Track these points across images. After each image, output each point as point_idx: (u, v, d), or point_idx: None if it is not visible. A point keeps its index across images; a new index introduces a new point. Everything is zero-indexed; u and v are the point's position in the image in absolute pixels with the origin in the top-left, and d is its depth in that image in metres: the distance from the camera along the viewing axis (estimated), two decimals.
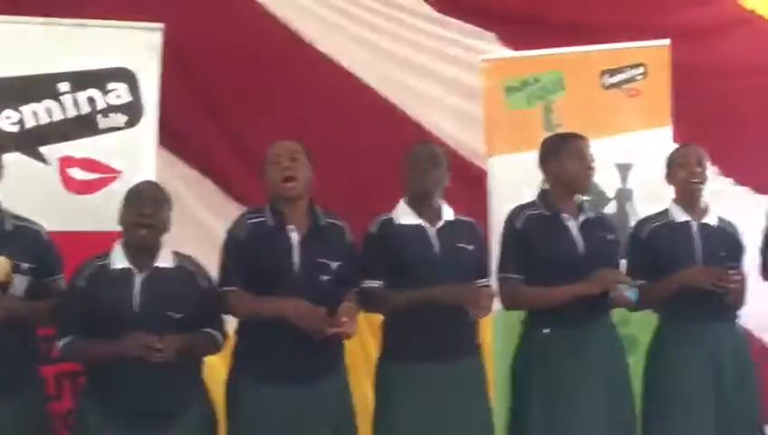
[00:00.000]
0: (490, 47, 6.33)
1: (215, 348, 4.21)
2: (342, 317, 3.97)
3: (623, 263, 4.62)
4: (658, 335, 4.64)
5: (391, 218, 4.40)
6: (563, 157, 4.48)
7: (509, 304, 4.56)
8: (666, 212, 4.64)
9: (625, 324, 4.68)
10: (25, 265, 4.08)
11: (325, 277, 4.15)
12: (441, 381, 4.26)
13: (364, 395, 4.55)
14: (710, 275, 4.40)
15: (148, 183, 4.32)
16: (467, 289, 4.22)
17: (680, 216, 4.59)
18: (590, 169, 4.47)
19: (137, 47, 5.08)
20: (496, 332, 5.51)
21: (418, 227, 4.37)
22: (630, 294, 4.26)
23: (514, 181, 5.44)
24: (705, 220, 4.58)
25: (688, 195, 4.60)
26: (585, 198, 4.62)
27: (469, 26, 6.44)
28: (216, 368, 4.46)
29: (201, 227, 5.89)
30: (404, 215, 4.39)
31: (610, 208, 5.51)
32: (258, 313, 4.11)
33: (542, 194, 4.57)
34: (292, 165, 4.17)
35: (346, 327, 4.00)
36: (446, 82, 6.42)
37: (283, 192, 4.17)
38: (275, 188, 4.18)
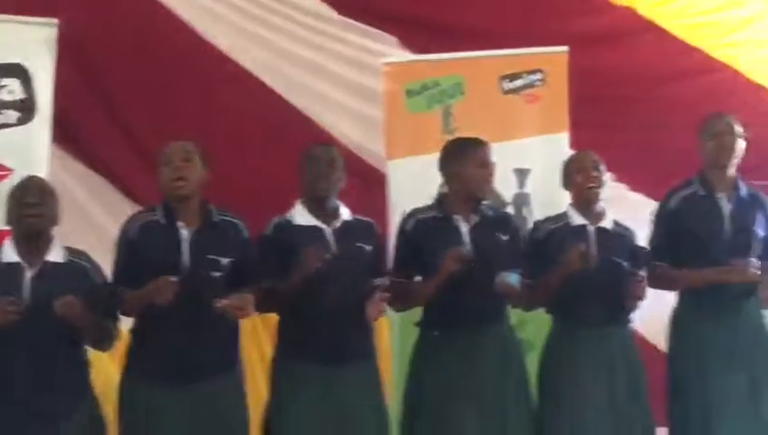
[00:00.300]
0: (391, 50, 6.33)
1: (108, 342, 4.16)
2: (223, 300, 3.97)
3: None
4: (552, 339, 4.66)
5: (288, 219, 4.39)
6: (465, 162, 4.49)
7: (397, 306, 4.62)
8: (563, 215, 4.68)
9: (521, 328, 4.70)
10: None
11: (216, 274, 4.13)
12: (335, 382, 4.26)
13: (260, 395, 4.52)
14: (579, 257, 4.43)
15: (33, 177, 4.24)
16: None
17: (577, 219, 4.63)
18: (491, 175, 4.49)
19: (31, 43, 5.00)
20: (394, 333, 5.52)
21: (315, 227, 4.36)
22: (511, 279, 4.29)
23: (414, 184, 5.46)
24: (602, 224, 4.62)
25: (585, 199, 4.64)
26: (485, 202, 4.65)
27: (371, 29, 6.44)
28: (107, 368, 4.40)
29: (95, 224, 5.82)
30: (300, 215, 4.39)
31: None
32: (136, 305, 4.10)
33: (440, 197, 4.59)
34: (185, 165, 4.15)
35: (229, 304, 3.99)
36: (347, 84, 6.41)
37: (173, 191, 4.15)
38: (166, 187, 4.17)
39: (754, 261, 4.61)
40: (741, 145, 4.76)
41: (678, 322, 4.81)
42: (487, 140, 4.59)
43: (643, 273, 4.54)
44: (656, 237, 4.75)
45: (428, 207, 4.58)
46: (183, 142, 4.23)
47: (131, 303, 4.11)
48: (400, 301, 4.56)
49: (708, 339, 4.68)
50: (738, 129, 4.76)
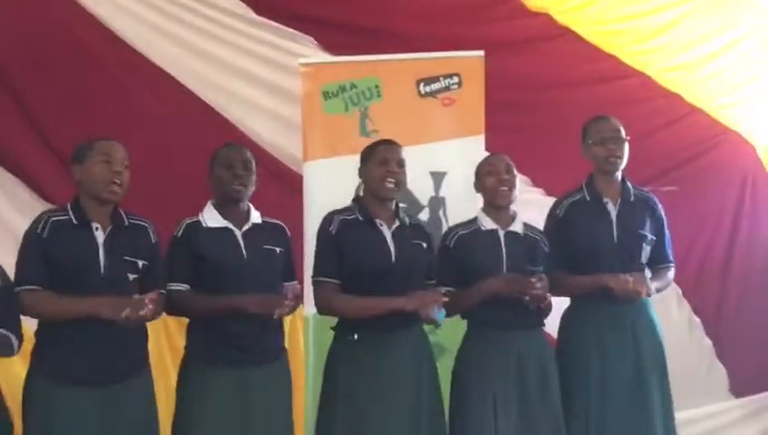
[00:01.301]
0: (308, 51, 6.31)
1: (8, 350, 4.03)
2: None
3: None
4: (465, 343, 4.67)
5: (198, 221, 4.36)
6: (367, 161, 4.50)
7: (322, 310, 4.54)
8: (474, 220, 4.69)
9: (432, 332, 4.71)
10: None
11: (132, 275, 4.11)
12: (245, 384, 4.24)
13: (171, 393, 4.46)
14: (512, 283, 4.47)
15: None
16: (271, 300, 4.21)
17: (488, 223, 4.64)
18: (391, 173, 4.46)
19: None
20: (308, 334, 5.51)
21: (225, 229, 4.33)
22: (439, 315, 4.29)
23: (330, 186, 5.46)
24: (512, 228, 4.65)
25: (496, 202, 4.65)
26: (401, 205, 4.65)
27: (288, 30, 6.41)
28: (13, 368, 4.31)
29: (2, 223, 5.71)
30: (211, 217, 4.35)
31: (423, 216, 5.58)
32: (61, 312, 4.01)
33: (357, 199, 4.58)
34: (123, 171, 4.12)
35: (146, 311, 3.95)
36: (263, 84, 6.37)
37: (106, 194, 4.10)
38: (99, 186, 4.10)
39: (641, 276, 4.69)
40: (626, 149, 4.81)
41: (564, 324, 4.89)
42: (394, 141, 4.58)
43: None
44: (549, 245, 4.77)
45: (349, 209, 4.54)
46: (119, 145, 4.17)
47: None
48: (341, 310, 4.48)
49: (589, 340, 4.75)
50: (623, 132, 4.82)
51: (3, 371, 4.11)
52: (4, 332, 3.97)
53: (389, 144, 4.54)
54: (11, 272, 4.07)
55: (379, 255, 4.42)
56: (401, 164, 4.48)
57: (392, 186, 4.45)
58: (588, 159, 4.88)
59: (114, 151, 4.13)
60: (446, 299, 4.33)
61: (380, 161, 4.46)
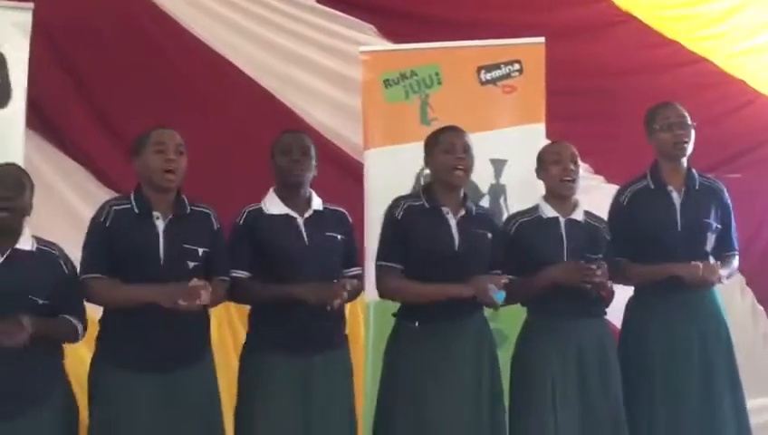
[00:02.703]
0: (369, 39, 6.33)
1: (73, 336, 4.11)
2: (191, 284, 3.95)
3: None
4: (525, 331, 4.67)
5: (260, 208, 4.37)
6: (432, 149, 4.50)
7: (383, 293, 4.56)
8: (535, 208, 4.67)
9: (493, 319, 4.70)
10: None
11: (192, 263, 4.13)
12: (306, 372, 4.26)
13: (234, 382, 4.50)
14: (573, 271, 4.46)
15: (10, 166, 4.17)
16: (329, 290, 4.20)
17: (549, 211, 4.62)
18: (458, 160, 4.44)
19: (6, 27, 4.96)
20: (369, 321, 5.53)
21: (287, 216, 4.35)
22: (497, 296, 4.28)
23: (390, 174, 5.48)
24: (573, 216, 4.63)
25: (560, 192, 4.63)
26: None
27: (349, 18, 6.44)
28: (81, 356, 4.38)
29: (69, 211, 5.80)
30: (273, 204, 4.37)
31: (484, 203, 5.55)
32: (123, 300, 4.06)
33: (426, 187, 4.59)
34: (177, 158, 4.13)
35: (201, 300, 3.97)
36: (324, 72, 6.41)
37: (161, 182, 4.12)
38: (154, 175, 4.13)
39: (710, 263, 4.63)
40: (693, 135, 4.77)
41: (628, 314, 4.85)
42: (458, 127, 4.56)
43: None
44: (611, 233, 4.74)
45: (416, 195, 4.57)
46: (174, 132, 4.19)
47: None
48: (401, 293, 4.48)
49: (655, 330, 4.71)
50: (689, 118, 4.77)
51: (69, 357, 4.16)
52: (70, 318, 4.06)
53: (454, 130, 4.53)
54: (78, 261, 4.14)
55: (442, 242, 4.42)
56: (467, 150, 4.46)
57: (461, 173, 4.44)
58: (653, 146, 4.83)
59: (167, 139, 4.16)
60: (505, 281, 4.32)
61: (446, 149, 4.45)
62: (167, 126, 4.23)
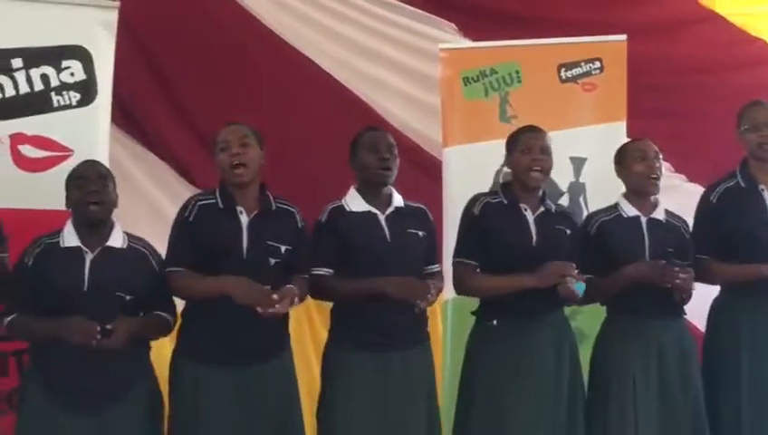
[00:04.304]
0: (449, 37, 6.33)
1: (166, 331, 4.20)
2: (275, 295, 3.95)
3: None
4: (605, 330, 4.65)
5: (342, 205, 4.39)
6: (512, 149, 4.50)
7: (460, 289, 4.59)
8: (615, 207, 4.65)
9: (572, 318, 4.69)
10: None
11: (274, 260, 4.16)
12: (387, 370, 4.28)
13: (313, 381, 4.54)
14: (656, 270, 4.42)
15: (90, 162, 4.27)
16: (415, 284, 4.21)
17: (630, 210, 4.59)
18: (536, 160, 4.43)
19: (92, 25, 5.02)
20: (447, 318, 5.54)
21: (369, 213, 4.37)
22: (578, 288, 4.26)
23: (470, 171, 5.48)
24: (654, 215, 4.59)
25: (645, 190, 4.59)
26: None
27: (429, 15, 6.44)
28: (164, 348, 4.44)
29: (153, 206, 5.87)
30: (354, 202, 4.39)
31: (563, 201, 5.53)
32: (201, 291, 4.12)
33: (505, 185, 4.60)
34: (242, 151, 4.16)
35: (280, 307, 3.97)
36: (403, 70, 6.42)
37: (232, 178, 4.17)
38: (225, 173, 4.18)
39: None
40: None
41: (715, 314, 4.79)
42: (537, 127, 4.56)
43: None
44: (698, 231, 4.69)
45: (494, 193, 4.58)
46: (238, 126, 4.24)
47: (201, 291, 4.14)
48: (477, 288, 4.52)
49: (744, 331, 4.64)
50: None
51: (154, 350, 4.23)
52: (164, 314, 4.16)
53: (533, 131, 4.53)
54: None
55: (520, 237, 4.42)
56: (545, 151, 4.46)
57: (538, 174, 4.44)
58: (742, 145, 4.77)
59: (229, 135, 4.19)
60: (576, 272, 4.29)
61: (524, 149, 4.45)
62: (234, 122, 4.28)
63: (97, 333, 3.82)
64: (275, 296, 3.93)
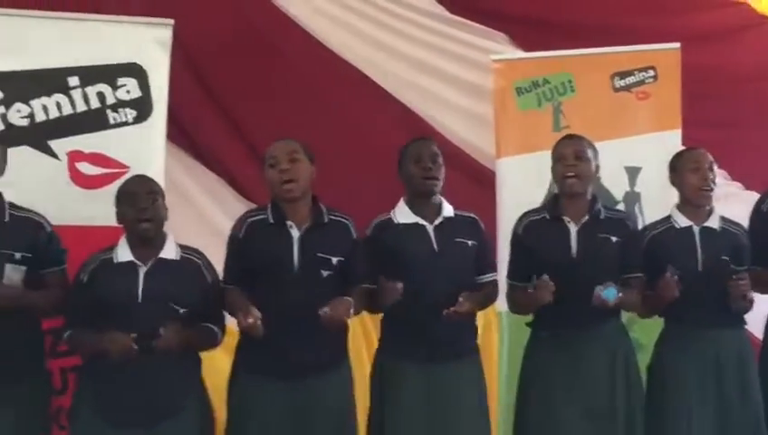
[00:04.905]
0: (501, 48, 6.34)
1: (213, 344, 4.22)
2: (325, 308, 3.97)
3: None
4: (662, 340, 4.61)
5: (389, 219, 4.42)
6: (553, 158, 4.50)
7: (511, 309, 4.67)
8: (667, 219, 4.60)
9: (630, 328, 4.65)
10: (18, 255, 4.09)
11: (326, 272, 4.17)
12: (436, 381, 4.28)
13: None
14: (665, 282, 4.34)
15: (139, 178, 4.33)
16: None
17: (682, 221, 4.55)
18: (568, 167, 4.41)
19: (147, 43, 5.08)
20: (502, 330, 5.52)
21: (416, 225, 4.38)
22: (606, 294, 4.23)
23: (523, 182, 5.47)
24: (708, 223, 4.54)
25: (698, 202, 4.55)
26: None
27: (481, 27, 6.45)
28: (219, 363, 4.47)
29: (208, 222, 5.94)
30: (402, 213, 4.41)
31: (618, 209, 5.49)
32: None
33: (552, 197, 4.60)
34: (291, 166, 4.18)
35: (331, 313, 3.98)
36: (455, 81, 6.43)
37: (281, 194, 4.19)
38: (275, 189, 4.21)
39: None
40: None
41: None
42: (573, 134, 4.57)
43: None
44: (751, 239, 4.63)
45: (540, 209, 4.58)
46: (287, 141, 4.26)
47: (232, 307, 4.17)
48: (514, 306, 4.59)
49: None
50: None
51: (207, 365, 4.26)
52: (212, 327, 4.18)
53: (566, 139, 4.54)
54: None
55: (558, 251, 4.40)
56: (579, 156, 4.42)
57: (572, 180, 4.41)
58: None
59: (277, 151, 4.22)
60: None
61: (558, 157, 4.46)
62: (283, 137, 4.30)
63: (133, 345, 3.84)
64: (326, 309, 3.96)
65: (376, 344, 4.55)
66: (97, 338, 3.94)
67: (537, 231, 4.47)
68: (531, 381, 4.46)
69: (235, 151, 6.17)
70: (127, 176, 4.77)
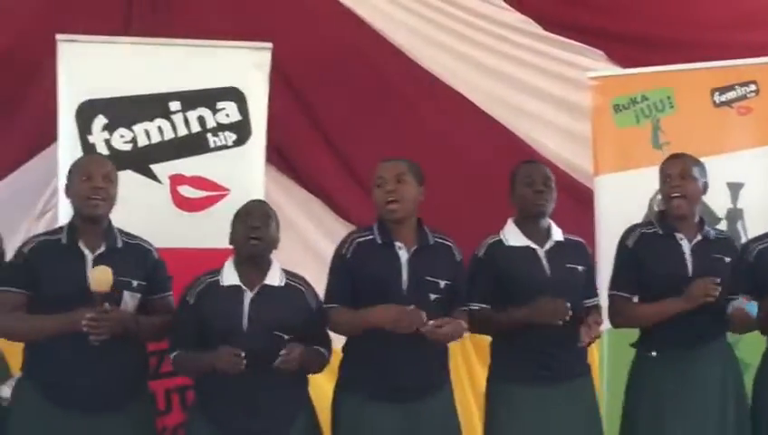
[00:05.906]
0: (598, 65, 6.28)
1: (323, 366, 4.25)
2: (431, 321, 3.96)
3: None
4: (765, 359, 4.51)
5: (500, 240, 4.40)
6: (660, 179, 4.46)
7: (616, 322, 4.55)
8: None
9: (735, 346, 4.57)
10: (135, 283, 4.13)
11: (434, 296, 4.16)
12: (550, 402, 4.25)
13: (469, 416, 4.53)
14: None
15: (257, 201, 4.40)
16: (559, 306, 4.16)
17: None
18: (673, 188, 4.37)
19: (246, 67, 5.15)
20: (604, 351, 5.46)
21: (528, 248, 4.36)
22: (750, 307, 4.15)
23: (622, 199, 5.42)
24: None
25: None
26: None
27: (577, 44, 6.41)
28: (321, 385, 4.49)
29: (309, 245, 5.95)
30: (513, 236, 4.39)
31: (721, 229, 5.41)
32: (355, 326, 4.15)
33: (660, 214, 4.54)
34: (397, 187, 4.19)
35: (438, 330, 3.98)
36: (552, 99, 6.39)
37: (387, 214, 4.20)
38: (380, 209, 4.22)
39: None
40: None
41: None
42: (681, 154, 4.51)
43: None
44: None
45: (650, 223, 4.54)
46: (395, 162, 4.27)
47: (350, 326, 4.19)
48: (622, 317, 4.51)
49: None
50: None
51: (312, 385, 4.28)
52: (321, 350, 4.20)
53: (672, 158, 4.50)
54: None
55: (676, 268, 4.35)
56: (685, 175, 4.39)
57: (678, 201, 4.37)
58: None
59: (384, 171, 4.23)
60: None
61: (664, 178, 4.43)
62: (391, 157, 4.31)
63: (242, 360, 3.87)
64: (429, 321, 3.96)
65: (477, 370, 4.52)
66: (205, 356, 3.99)
67: (650, 245, 4.42)
68: (639, 401, 4.40)
69: (334, 173, 6.19)
70: (227, 198, 4.86)
